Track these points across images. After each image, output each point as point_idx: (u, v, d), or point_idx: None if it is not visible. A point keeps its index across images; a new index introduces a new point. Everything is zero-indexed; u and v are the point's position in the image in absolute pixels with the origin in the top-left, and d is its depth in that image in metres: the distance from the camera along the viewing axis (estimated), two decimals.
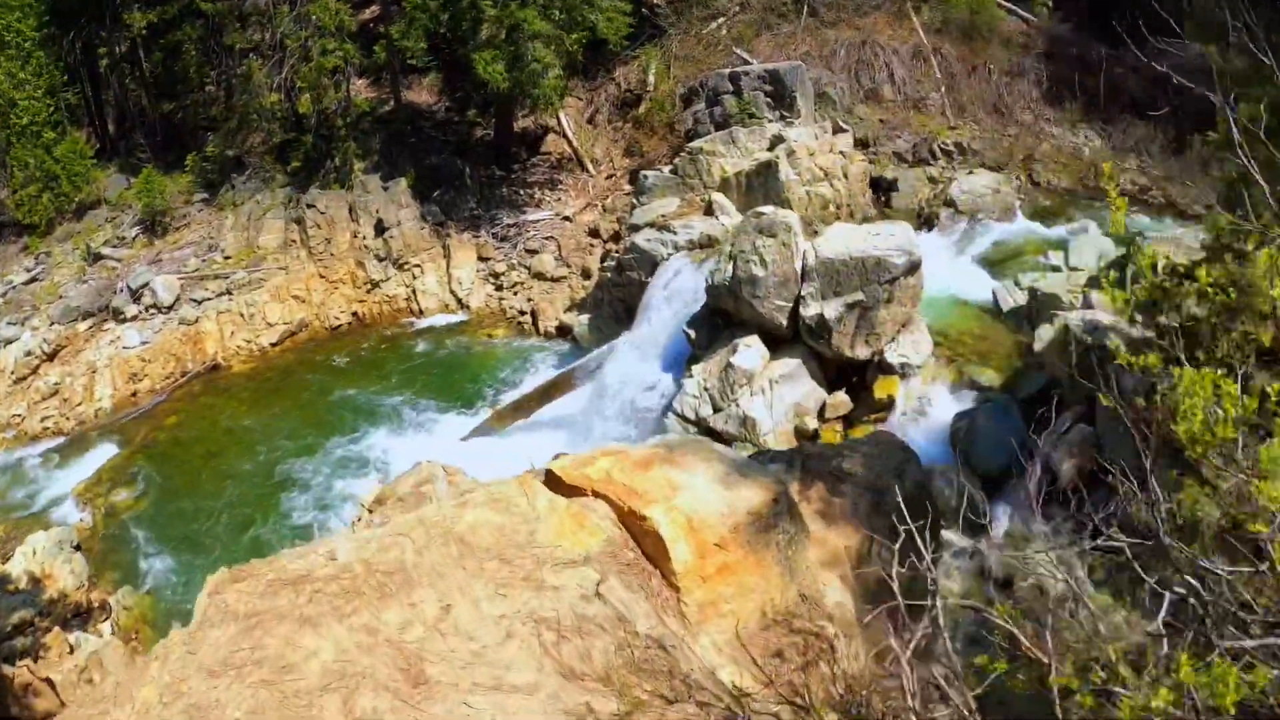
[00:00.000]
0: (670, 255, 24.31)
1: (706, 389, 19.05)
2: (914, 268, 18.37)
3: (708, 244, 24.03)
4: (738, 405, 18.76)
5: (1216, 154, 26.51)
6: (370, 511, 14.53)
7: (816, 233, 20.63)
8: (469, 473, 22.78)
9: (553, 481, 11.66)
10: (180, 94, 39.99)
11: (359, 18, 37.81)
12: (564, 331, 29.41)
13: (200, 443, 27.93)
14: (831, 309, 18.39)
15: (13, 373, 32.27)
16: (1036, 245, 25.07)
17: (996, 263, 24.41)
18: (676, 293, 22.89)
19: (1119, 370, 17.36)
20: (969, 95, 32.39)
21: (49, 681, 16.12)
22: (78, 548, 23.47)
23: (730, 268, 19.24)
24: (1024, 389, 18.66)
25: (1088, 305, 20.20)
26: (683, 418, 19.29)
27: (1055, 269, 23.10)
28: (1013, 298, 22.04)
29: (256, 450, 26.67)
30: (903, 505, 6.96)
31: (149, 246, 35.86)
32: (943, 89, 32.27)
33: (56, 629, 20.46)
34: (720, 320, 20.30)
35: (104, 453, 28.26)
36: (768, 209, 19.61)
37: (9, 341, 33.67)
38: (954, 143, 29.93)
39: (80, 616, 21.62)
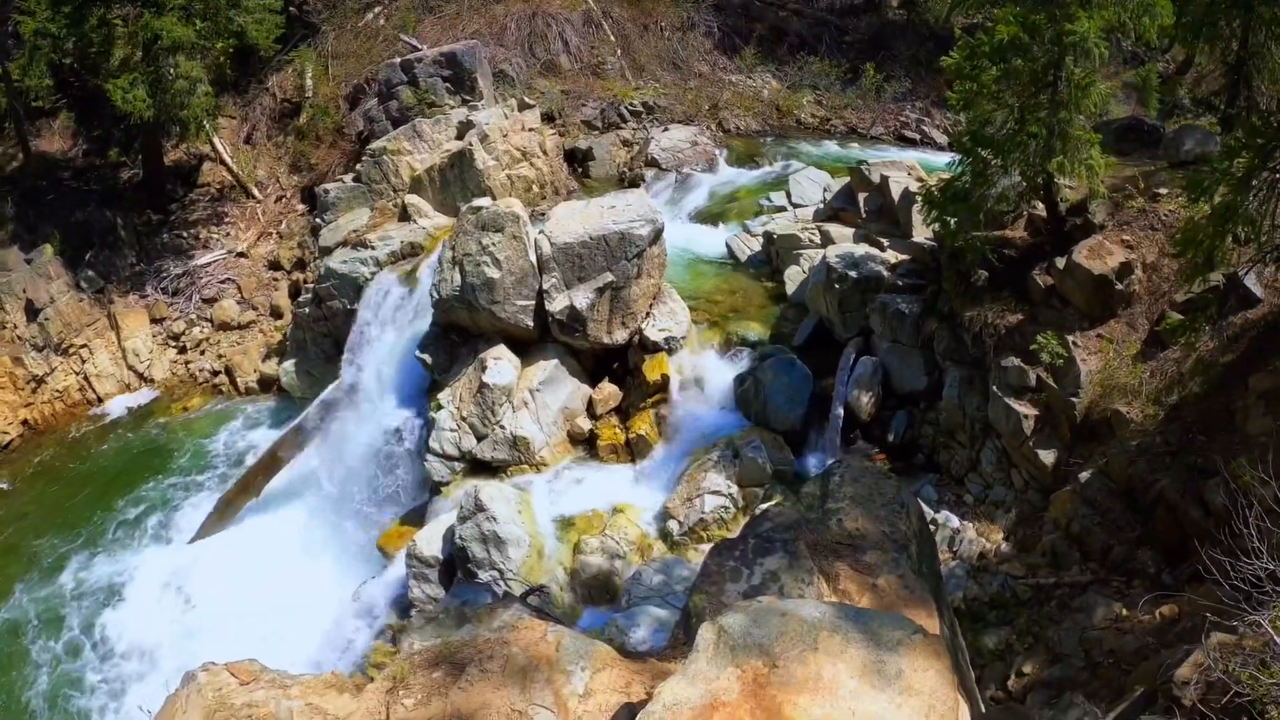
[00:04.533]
0: (374, 274, 21.90)
1: (464, 418, 16.81)
2: (658, 235, 16.92)
3: (412, 253, 21.92)
4: (503, 427, 16.73)
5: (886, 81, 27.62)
6: None
7: (543, 216, 18.84)
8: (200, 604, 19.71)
9: None
10: None
11: None
12: (267, 385, 26.23)
13: None
14: (581, 297, 16.62)
15: None
16: (750, 190, 24.50)
17: (718, 214, 23.57)
18: (391, 315, 20.58)
19: (891, 297, 17.04)
20: (645, 55, 31.88)
21: None
22: None
23: (457, 275, 17.08)
24: (796, 336, 17.86)
25: (828, 240, 19.63)
26: (444, 456, 17.04)
27: (780, 209, 22.49)
28: (747, 246, 21.28)
29: None
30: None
31: None
32: (619, 52, 31.51)
33: None
34: (456, 336, 18.20)
35: None
36: (484, 202, 17.68)
37: None
38: (640, 103, 29.16)
39: None
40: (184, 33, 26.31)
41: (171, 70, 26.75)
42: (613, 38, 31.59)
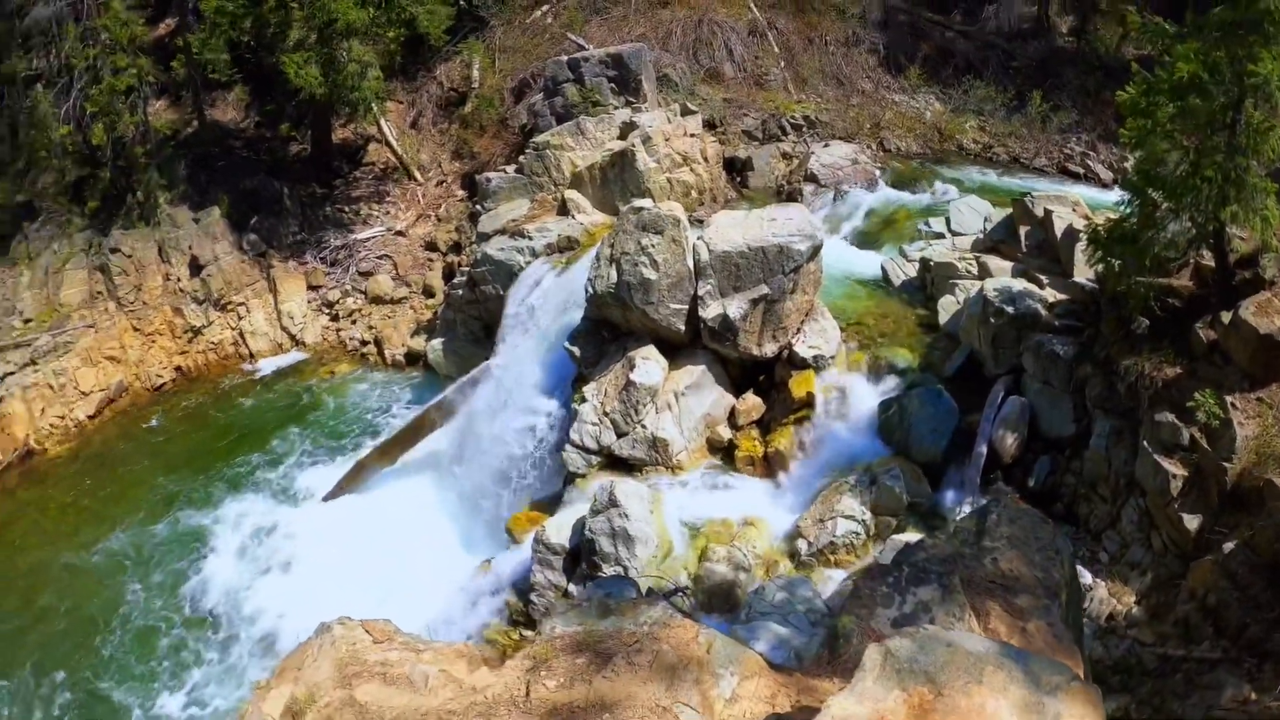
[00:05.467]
0: (529, 263, 22.35)
1: (606, 413, 16.99)
2: (816, 252, 16.84)
3: (568, 246, 22.25)
4: (644, 427, 16.83)
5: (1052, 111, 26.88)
6: None
7: (700, 222, 18.97)
8: (332, 544, 20.56)
9: None
10: None
11: (154, 33, 34.34)
12: (414, 359, 27.02)
13: (20, 549, 23.69)
14: (735, 307, 16.62)
15: None
16: (909, 213, 24.10)
17: (874, 235, 23.40)
18: (542, 304, 20.93)
19: (1046, 338, 16.66)
20: (809, 68, 31.68)
21: None
22: None
23: (613, 273, 17.26)
24: (946, 367, 17.51)
25: (985, 272, 19.28)
26: (583, 449, 17.23)
27: (939, 236, 22.15)
28: (903, 271, 20.98)
29: (103, 547, 22.85)
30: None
31: None
32: (782, 64, 31.39)
33: None
34: (606, 332, 18.34)
35: None
36: (646, 203, 17.71)
37: None
38: (802, 116, 28.96)
39: None
40: (358, 17, 27.27)
41: (344, 53, 27.79)
42: (777, 49, 31.52)
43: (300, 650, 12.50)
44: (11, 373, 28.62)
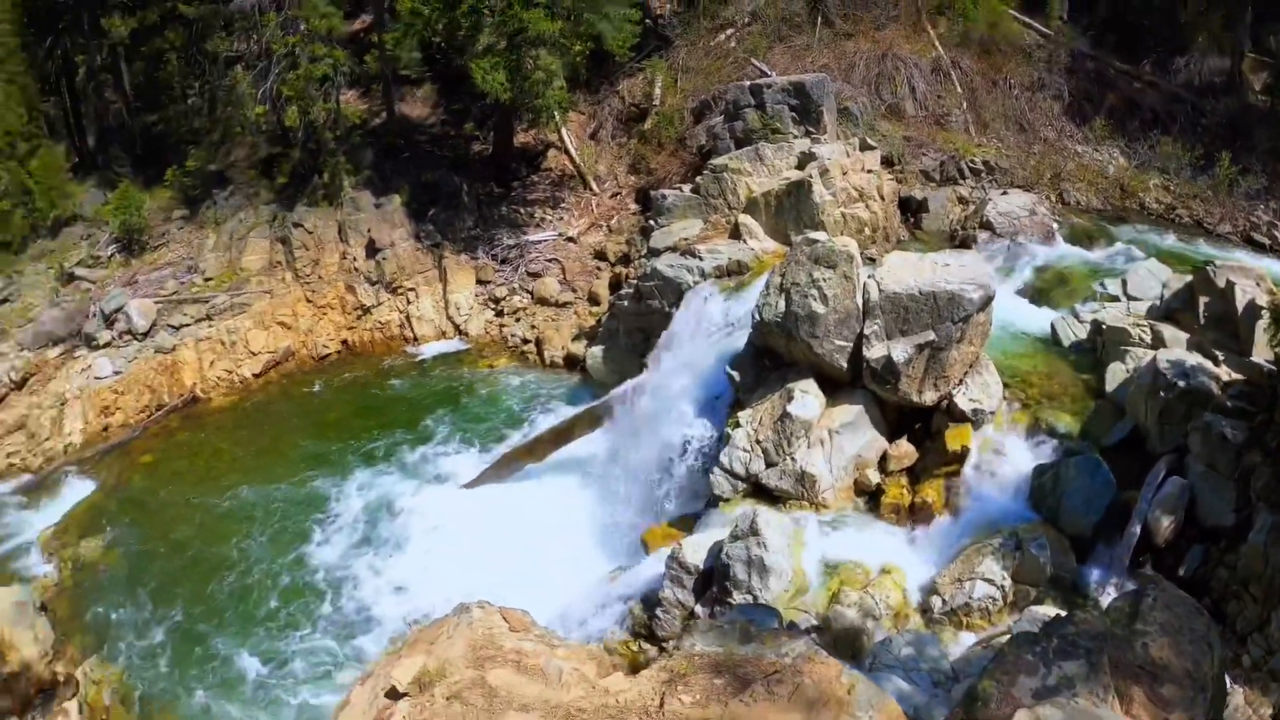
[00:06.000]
0: (696, 283, 22.54)
1: (758, 441, 17.06)
2: (987, 302, 16.54)
3: (737, 270, 22.40)
4: (794, 459, 16.80)
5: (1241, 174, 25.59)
6: (398, 692, 11.01)
7: (872, 260, 18.86)
8: (472, 524, 21.20)
9: None
10: (162, 105, 38.00)
11: (351, 27, 36.01)
12: (572, 363, 27.62)
13: (180, 486, 25.52)
14: (899, 350, 16.45)
15: None
16: (1083, 272, 23.62)
17: (1047, 291, 22.91)
18: (705, 325, 21.07)
19: (1216, 418, 15.99)
20: (991, 111, 31.17)
21: None
22: (42, 608, 20.88)
23: (781, 302, 17.31)
24: (1107, 437, 16.93)
25: (1159, 341, 18.64)
26: (730, 473, 17.30)
27: (1113, 299, 21.52)
28: (1073, 331, 20.41)
29: (240, 496, 24.39)
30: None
31: (125, 267, 33.78)
32: (964, 104, 30.95)
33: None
34: (768, 360, 18.35)
35: (73, 495, 25.84)
36: (820, 236, 17.67)
37: None
38: (981, 161, 28.53)
39: (44, 695, 19.03)
40: (548, 28, 28.00)
41: (531, 61, 28.56)
42: (960, 89, 31.13)
43: (435, 625, 12.96)
44: (188, 324, 30.63)
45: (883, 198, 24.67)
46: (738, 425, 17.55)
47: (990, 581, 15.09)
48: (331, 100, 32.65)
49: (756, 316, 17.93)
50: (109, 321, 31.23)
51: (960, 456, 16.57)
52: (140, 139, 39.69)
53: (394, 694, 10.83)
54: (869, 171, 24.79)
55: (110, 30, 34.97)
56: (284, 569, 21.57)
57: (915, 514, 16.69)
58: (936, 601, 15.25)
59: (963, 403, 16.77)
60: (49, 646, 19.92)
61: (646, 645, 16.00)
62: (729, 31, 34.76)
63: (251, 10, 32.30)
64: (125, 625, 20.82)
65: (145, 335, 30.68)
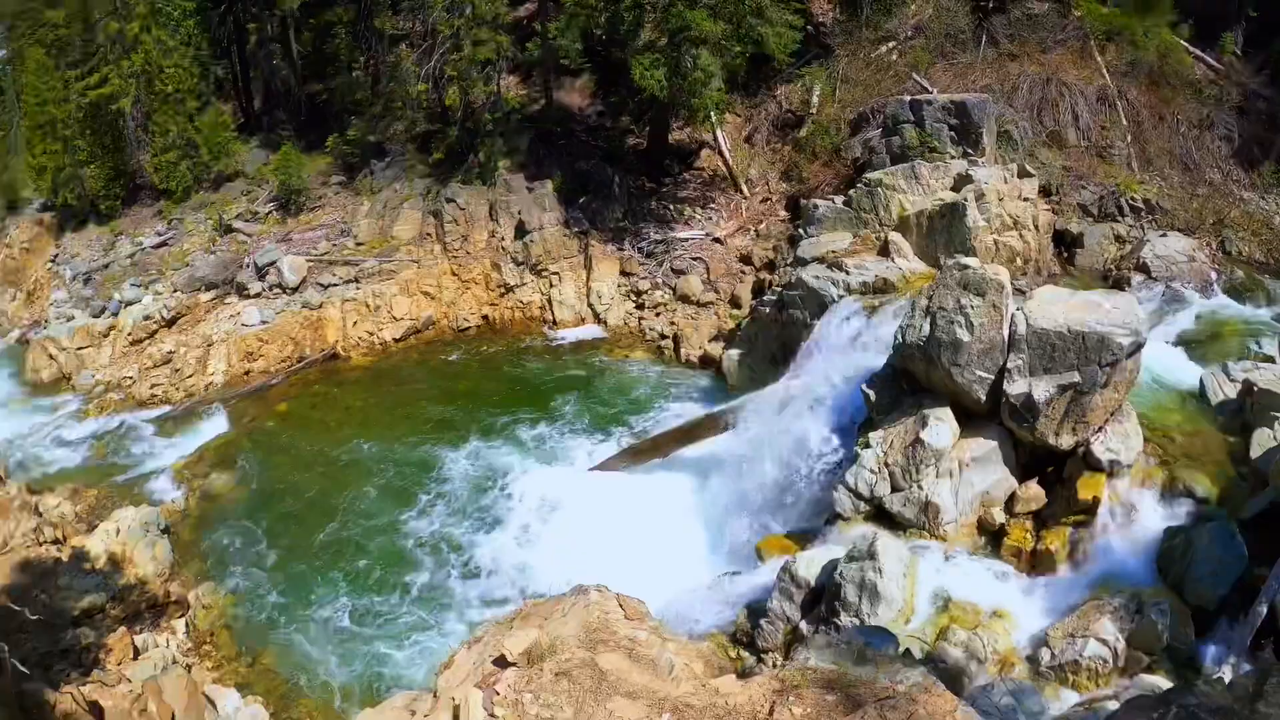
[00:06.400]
0: (841, 297, 22.31)
1: (887, 464, 16.84)
2: (1137, 349, 15.98)
3: (883, 289, 22.09)
4: (920, 487, 16.50)
5: None
6: (507, 661, 11.33)
7: (1021, 293, 18.40)
8: (594, 509, 21.51)
9: None
10: (327, 76, 39.55)
11: (515, 14, 36.78)
12: (707, 363, 27.74)
13: (309, 434, 26.83)
14: (1041, 389, 15.96)
15: (129, 334, 31.91)
16: (1240, 327, 22.72)
17: (1199, 343, 21.97)
18: (846, 342, 20.81)
19: None
20: (1156, 147, 29.97)
21: (96, 710, 14.28)
22: (165, 531, 22.56)
23: (926, 326, 17.01)
24: (1246, 507, 16.08)
25: None
26: (854, 493, 17.12)
27: (1269, 359, 20.54)
28: (1222, 389, 19.53)
29: (369, 452, 25.41)
30: None
31: (281, 224, 35.24)
32: (1128, 137, 29.88)
33: (123, 629, 19.23)
34: (905, 383, 18.04)
35: (209, 430, 27.52)
36: (972, 262, 17.26)
37: (130, 303, 33.34)
38: (1142, 199, 27.53)
39: (154, 610, 20.41)
40: (711, 29, 28.11)
41: (691, 60, 28.71)
42: (1125, 121, 30.07)
43: (550, 602, 13.26)
44: (335, 284, 31.91)
45: (1037, 228, 24.11)
46: (868, 445, 17.33)
47: (1104, 642, 14.49)
48: (492, 83, 33.42)
49: (899, 338, 17.66)
50: (261, 274, 32.64)
51: (1090, 507, 15.93)
52: (304, 106, 41.44)
53: (502, 662, 11.16)
54: (1025, 199, 24.28)
55: (281, 2, 36.43)
56: (389, 526, 22.47)
57: (1036, 560, 16.15)
58: (1045, 654, 14.70)
59: (1100, 451, 16.11)
60: (166, 567, 21.57)
61: (745, 654, 15.94)
62: (891, 44, 34.42)
63: None
64: (239, 557, 22.08)
65: (294, 290, 32.01)
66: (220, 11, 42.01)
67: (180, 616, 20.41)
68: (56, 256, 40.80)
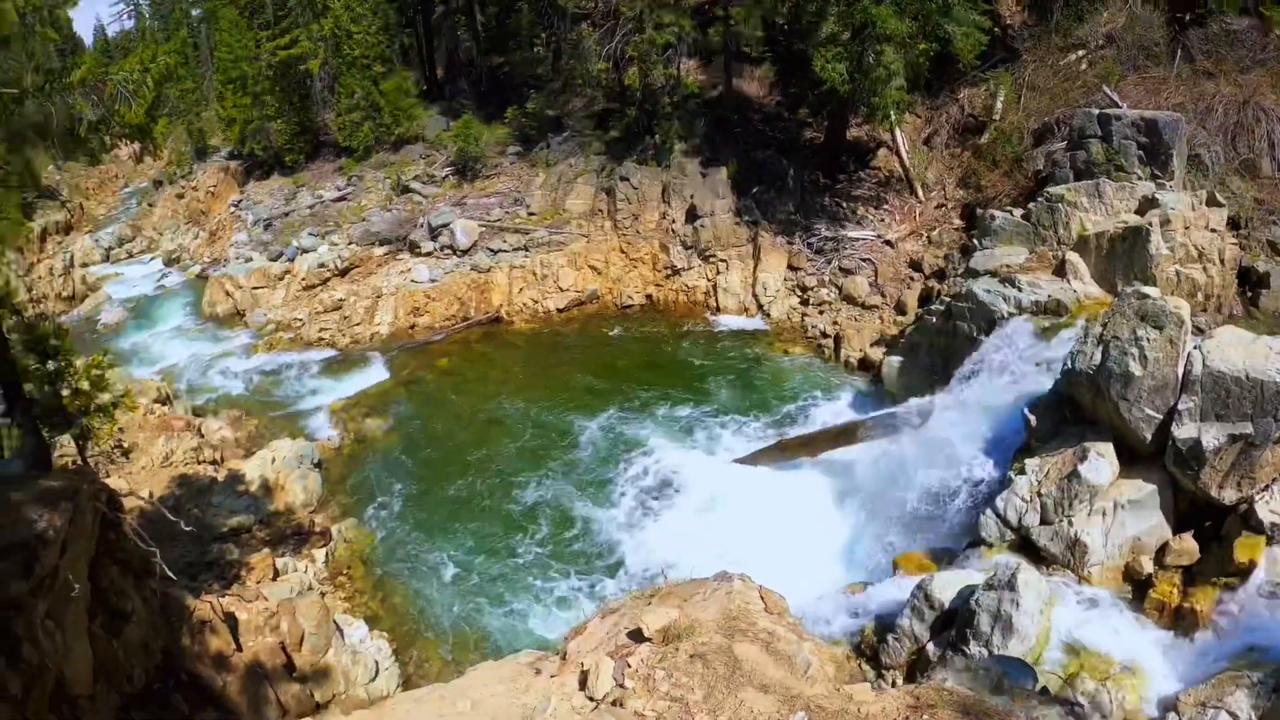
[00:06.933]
0: (1011, 314, 21.74)
1: (1039, 494, 16.44)
2: None
3: (1055, 310, 21.40)
4: (1070, 523, 16.04)
5: None
6: (643, 636, 11.43)
7: (1200, 331, 17.59)
8: (735, 500, 21.60)
9: None
10: (509, 50, 40.61)
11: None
12: (866, 366, 27.53)
13: (465, 392, 27.90)
14: (1210, 436, 15.27)
15: (303, 280, 33.58)
16: None
17: None
18: (1012, 362, 20.29)
19: None
20: None
21: (231, 620, 15.09)
22: (317, 464, 24.07)
23: (1097, 354, 16.49)
24: None
25: None
26: (1002, 520, 16.76)
27: None
28: None
29: (521, 416, 26.27)
30: None
31: (456, 189, 36.35)
32: None
33: (266, 551, 20.46)
34: (1069, 412, 17.52)
35: (369, 377, 29.06)
36: (1152, 291, 16.56)
37: (306, 250, 35.04)
38: None
39: (298, 536, 21.68)
40: (896, 26, 27.69)
41: (873, 56, 28.36)
42: None
43: (691, 584, 13.46)
44: (505, 251, 32.92)
45: (1222, 262, 22.93)
46: (1022, 472, 16.92)
47: (1235, 716, 13.93)
48: (672, 67, 33.70)
49: (1068, 364, 17.18)
50: (434, 234, 33.85)
51: (1245, 570, 15.01)
52: (485, 77, 42.69)
53: (638, 636, 11.38)
54: (1212, 230, 23.10)
55: None
56: (522, 486, 23.33)
57: (1179, 618, 15.38)
58: (1172, 718, 14.28)
59: (1263, 512, 15.22)
60: (314, 498, 23.18)
61: (866, 666, 15.74)
62: (1080, 52, 33.22)
63: None
64: (382, 499, 23.26)
65: (465, 253, 33.11)
66: None
67: (322, 546, 21.61)
68: (240, 202, 43.27)
